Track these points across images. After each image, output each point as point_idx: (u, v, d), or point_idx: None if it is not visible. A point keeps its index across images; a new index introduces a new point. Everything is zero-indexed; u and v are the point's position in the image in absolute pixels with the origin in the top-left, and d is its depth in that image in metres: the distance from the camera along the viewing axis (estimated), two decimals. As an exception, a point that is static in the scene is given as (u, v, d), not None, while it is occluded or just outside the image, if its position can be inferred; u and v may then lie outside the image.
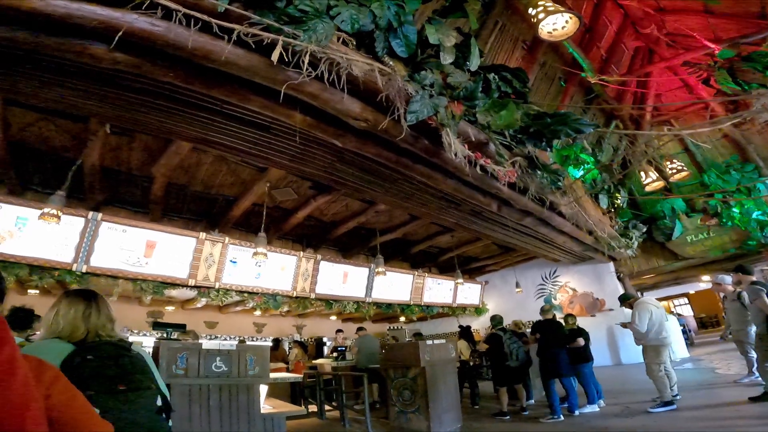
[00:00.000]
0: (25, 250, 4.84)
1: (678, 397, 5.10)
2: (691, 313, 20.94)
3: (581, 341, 5.58)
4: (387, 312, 9.78)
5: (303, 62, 2.67)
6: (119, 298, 6.20)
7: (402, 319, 12.95)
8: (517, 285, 11.12)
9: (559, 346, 5.47)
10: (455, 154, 3.45)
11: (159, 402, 1.36)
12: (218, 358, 3.42)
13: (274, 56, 2.52)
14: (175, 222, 6.96)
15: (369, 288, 8.71)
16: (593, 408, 5.35)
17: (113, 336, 1.45)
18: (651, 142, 6.86)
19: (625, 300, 5.70)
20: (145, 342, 8.41)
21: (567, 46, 7.68)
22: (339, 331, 9.67)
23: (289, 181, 6.20)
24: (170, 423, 1.41)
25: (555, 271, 11.14)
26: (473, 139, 3.90)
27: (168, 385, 3.00)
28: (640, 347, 5.30)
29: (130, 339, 8.29)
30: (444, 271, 11.77)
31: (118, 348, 1.38)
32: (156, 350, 3.22)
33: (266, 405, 3.80)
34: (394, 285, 9.31)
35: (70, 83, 3.11)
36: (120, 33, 2.36)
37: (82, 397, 0.91)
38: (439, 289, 10.48)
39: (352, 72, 2.98)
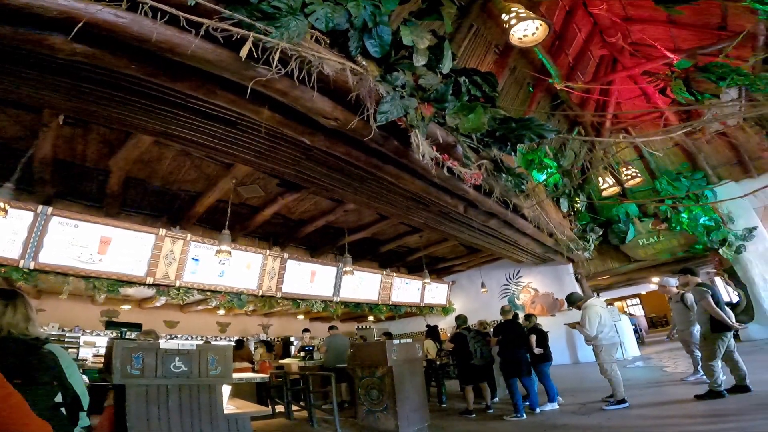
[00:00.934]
0: None
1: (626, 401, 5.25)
2: (643, 313, 22.15)
3: (533, 338, 5.71)
4: (355, 311, 9.77)
5: (273, 59, 2.62)
6: (70, 297, 5.86)
7: (371, 318, 12.98)
8: (483, 285, 11.40)
9: (519, 346, 5.64)
10: (423, 156, 3.50)
11: (59, 398, 1.49)
12: (177, 359, 3.32)
13: (243, 52, 2.47)
14: (134, 218, 6.66)
15: (337, 287, 8.67)
16: (553, 406, 5.53)
17: (27, 334, 1.58)
18: (609, 149, 7.20)
19: (573, 302, 5.82)
20: (99, 342, 8.02)
21: (537, 52, 7.87)
22: (306, 330, 9.58)
23: (256, 178, 6.08)
24: (85, 419, 1.61)
25: (518, 272, 11.50)
26: (441, 141, 3.97)
27: (122, 386, 2.92)
28: (590, 347, 5.53)
29: (83, 339, 7.91)
30: (412, 270, 11.88)
31: (27, 345, 1.52)
32: (109, 350, 3.11)
33: (230, 405, 3.72)
34: (363, 284, 9.31)
35: (25, 73, 2.92)
36: (81, 24, 2.23)
37: (17, 396, 0.91)
38: (407, 289, 10.58)
39: (324, 71, 2.96)
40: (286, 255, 7.65)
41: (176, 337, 9.59)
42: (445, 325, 12.49)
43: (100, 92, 3.14)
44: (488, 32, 7.35)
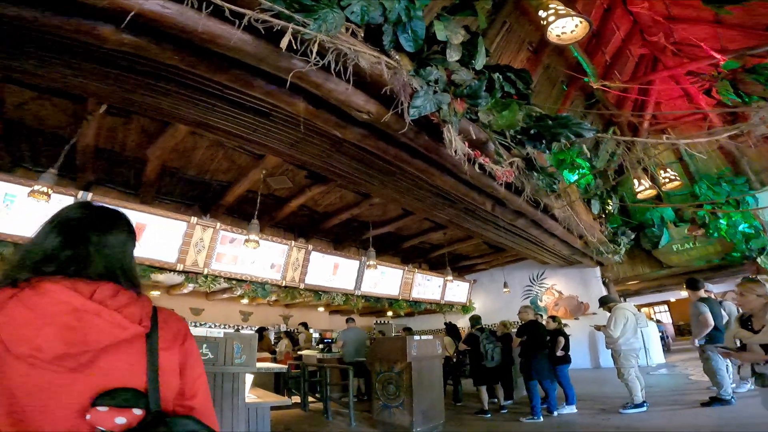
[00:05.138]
0: (11, 228, 4.70)
1: (646, 404, 5.25)
2: (670, 321, 21.41)
3: (562, 340, 5.64)
4: (375, 306, 9.80)
5: (311, 51, 2.64)
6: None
7: (389, 313, 13.01)
8: (505, 285, 11.24)
9: (540, 348, 5.56)
10: (455, 151, 3.46)
11: None
12: (204, 345, 3.41)
13: (283, 43, 2.49)
14: (167, 205, 6.87)
15: (359, 281, 8.72)
16: (571, 409, 5.47)
17: None
18: (648, 150, 6.95)
19: (605, 303, 5.80)
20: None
21: (573, 50, 7.72)
22: (302, 323, 9.73)
23: (285, 170, 6.16)
24: None
25: (542, 273, 11.28)
26: (473, 137, 3.92)
27: None
28: (610, 351, 5.49)
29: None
30: (434, 267, 11.82)
31: None
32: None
33: (251, 395, 3.79)
34: (384, 279, 9.33)
35: (73, 63, 3.04)
36: (131, 14, 2.30)
37: None
38: (428, 286, 10.54)
39: (359, 63, 2.96)
40: (310, 247, 7.74)
41: (201, 324, 9.86)
42: (464, 323, 12.38)
43: (143, 82, 3.24)
44: (521, 29, 7.22)
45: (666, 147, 8.75)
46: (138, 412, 0.73)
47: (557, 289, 10.97)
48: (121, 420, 0.71)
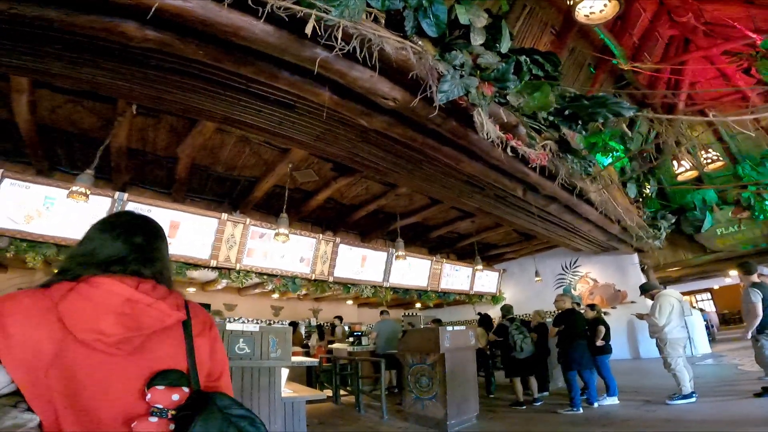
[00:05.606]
0: (52, 230, 4.89)
1: (695, 394, 5.01)
2: (713, 309, 20.42)
3: (602, 330, 5.45)
4: (404, 297, 9.75)
5: (336, 37, 2.57)
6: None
7: (418, 305, 12.95)
8: (537, 274, 10.96)
9: (579, 337, 5.37)
10: (487, 134, 3.33)
11: None
12: (242, 340, 3.43)
13: (308, 29, 2.44)
14: (198, 203, 7.01)
15: (387, 272, 8.68)
16: (613, 400, 5.28)
17: None
18: (685, 132, 6.63)
19: (647, 290, 5.59)
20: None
21: (598, 32, 7.48)
22: (338, 317, 9.75)
23: (311, 163, 6.16)
24: None
25: (576, 261, 10.93)
26: (504, 121, 3.77)
27: None
28: (654, 340, 5.27)
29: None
30: (461, 257, 11.66)
31: None
32: None
33: (286, 389, 3.81)
34: (412, 270, 9.25)
35: (100, 63, 3.09)
36: (153, 9, 2.30)
37: None
38: (456, 276, 10.39)
39: (384, 49, 2.87)
40: (338, 239, 7.75)
41: (235, 319, 10.10)
42: (494, 314, 12.19)
43: (170, 80, 3.26)
44: (543, 12, 7.00)
45: (705, 128, 8.36)
46: (186, 390, 0.84)
47: (592, 277, 10.60)
48: (176, 397, 0.81)
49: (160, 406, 0.79)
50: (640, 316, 5.44)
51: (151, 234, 1.02)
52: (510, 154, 3.69)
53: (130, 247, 0.94)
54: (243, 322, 10.11)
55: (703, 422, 4.07)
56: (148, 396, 0.79)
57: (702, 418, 4.19)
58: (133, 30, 2.51)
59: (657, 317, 4.96)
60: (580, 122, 3.81)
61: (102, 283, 0.83)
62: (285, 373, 3.69)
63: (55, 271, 0.93)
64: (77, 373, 0.75)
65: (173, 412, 0.80)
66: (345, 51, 2.69)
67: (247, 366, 3.39)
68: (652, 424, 4.23)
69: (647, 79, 8.99)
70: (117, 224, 1.00)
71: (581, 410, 5.00)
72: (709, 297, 21.07)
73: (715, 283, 18.22)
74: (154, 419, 0.78)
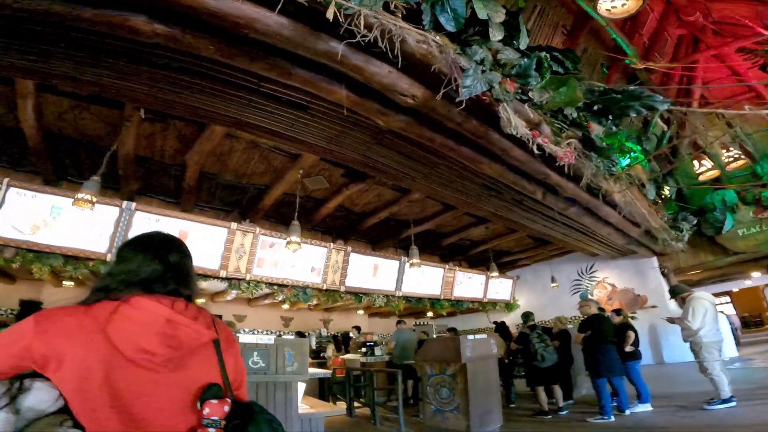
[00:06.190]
0: (59, 240, 4.74)
1: (734, 399, 4.75)
2: (734, 312, 19.90)
3: (632, 335, 5.23)
4: (416, 306, 9.50)
5: (357, 24, 2.42)
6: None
7: (429, 314, 12.67)
8: (553, 280, 10.68)
9: (607, 343, 5.12)
10: (515, 130, 3.15)
11: None
12: (255, 353, 3.24)
13: (329, 13, 2.28)
14: (206, 212, 6.87)
15: (399, 281, 8.46)
16: (646, 407, 5.04)
17: None
18: (704, 127, 6.45)
19: (677, 293, 5.37)
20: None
21: (610, 31, 7.39)
22: (356, 327, 9.53)
23: (321, 169, 6.01)
24: None
25: (592, 266, 10.63)
26: (530, 117, 3.59)
27: None
28: (688, 345, 5.04)
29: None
30: (474, 265, 11.41)
31: None
32: None
33: (303, 404, 3.60)
34: (425, 279, 9.01)
35: (107, 62, 2.96)
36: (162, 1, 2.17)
37: None
38: (469, 284, 10.12)
39: (407, 41, 2.71)
40: (349, 248, 7.56)
41: (244, 331, 9.89)
42: (509, 322, 11.88)
43: (179, 80, 3.13)
44: (553, 12, 6.96)
45: (724, 128, 8.19)
46: (229, 401, 0.89)
47: (609, 282, 10.29)
48: (226, 408, 0.87)
49: (216, 418, 0.85)
50: (672, 320, 5.21)
51: (184, 253, 1.07)
52: (537, 151, 3.49)
53: (167, 267, 0.99)
54: (253, 332, 9.91)
55: (750, 426, 3.81)
56: (206, 410, 0.84)
57: (747, 423, 3.94)
58: (143, 24, 2.38)
59: (691, 320, 4.74)
60: (610, 117, 3.61)
61: (143, 304, 0.88)
62: (302, 387, 3.49)
63: (95, 288, 0.96)
64: (127, 389, 0.80)
65: (224, 422, 0.86)
66: (365, 41, 2.53)
67: (262, 381, 3.19)
68: (695, 431, 3.97)
69: (660, 79, 8.84)
70: (152, 244, 1.05)
71: (613, 418, 4.77)
72: (729, 300, 20.56)
73: (735, 286, 17.78)
74: (212, 430, 0.84)
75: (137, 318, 0.86)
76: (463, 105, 3.09)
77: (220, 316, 7.65)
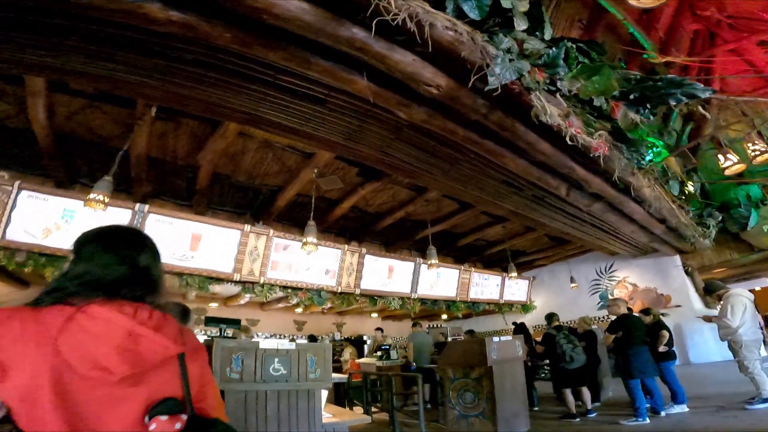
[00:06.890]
0: (71, 244, 4.67)
1: None
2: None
3: (666, 334, 4.99)
4: (432, 309, 9.32)
5: (388, 6, 2.26)
6: (164, 294, 6.03)
7: (444, 316, 12.46)
8: (573, 280, 10.41)
9: (639, 343, 4.89)
10: (550, 118, 2.97)
11: None
12: (276, 360, 3.05)
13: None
14: (219, 214, 6.76)
15: (414, 283, 8.28)
16: (682, 408, 4.80)
17: None
18: (725, 125, 6.24)
19: (713, 291, 5.16)
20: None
21: (627, 25, 7.31)
22: (378, 329, 9.33)
23: (336, 168, 5.87)
24: None
25: (611, 266, 10.34)
26: (563, 106, 3.41)
27: (222, 392, 2.62)
28: (725, 343, 4.85)
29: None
30: (489, 266, 11.19)
31: None
32: (208, 349, 2.87)
33: (326, 413, 3.42)
34: (440, 280, 8.83)
35: (119, 55, 2.85)
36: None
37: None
38: (485, 285, 9.92)
39: (435, 25, 2.56)
40: (363, 250, 7.40)
41: (259, 335, 9.75)
42: (528, 322, 11.61)
43: (192, 73, 3.01)
44: (569, 6, 6.80)
45: (747, 123, 7.95)
46: (184, 417, 0.82)
47: (630, 281, 9.99)
48: (178, 425, 0.80)
49: None
50: (708, 319, 4.99)
51: (154, 255, 0.97)
52: (569, 142, 3.31)
53: (135, 271, 0.91)
54: (266, 337, 9.77)
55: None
56: (153, 426, 0.78)
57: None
58: (157, 11, 2.25)
59: (730, 318, 4.51)
60: (648, 105, 3.42)
61: (103, 314, 0.79)
62: (324, 395, 3.31)
63: (49, 288, 0.84)
64: (78, 403, 0.74)
65: None
66: (392, 25, 2.38)
67: (284, 389, 3.01)
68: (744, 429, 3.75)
69: (678, 73, 8.63)
70: (118, 241, 0.95)
71: (648, 420, 4.52)
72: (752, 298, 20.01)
73: (757, 284, 17.28)
74: None
75: (95, 330, 0.77)
76: (497, 91, 2.91)
77: (239, 321, 7.52)
